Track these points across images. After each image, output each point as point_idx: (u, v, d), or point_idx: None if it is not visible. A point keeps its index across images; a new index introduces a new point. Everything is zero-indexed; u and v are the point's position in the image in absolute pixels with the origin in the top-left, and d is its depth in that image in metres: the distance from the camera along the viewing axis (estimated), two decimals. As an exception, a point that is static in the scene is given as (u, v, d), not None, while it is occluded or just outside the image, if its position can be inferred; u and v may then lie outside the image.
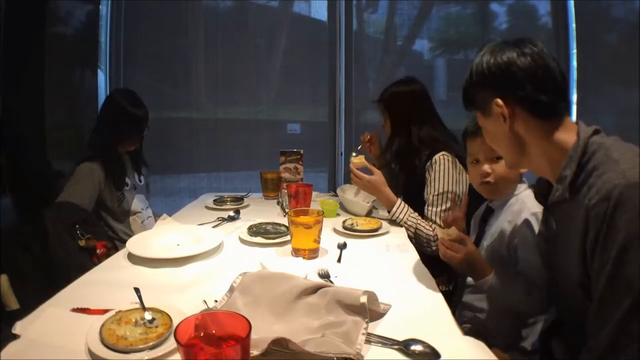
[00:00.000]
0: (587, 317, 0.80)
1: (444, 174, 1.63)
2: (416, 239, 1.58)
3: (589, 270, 0.80)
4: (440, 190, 1.62)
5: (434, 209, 1.63)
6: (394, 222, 1.65)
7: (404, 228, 1.61)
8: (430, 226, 1.61)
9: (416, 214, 1.64)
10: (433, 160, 1.66)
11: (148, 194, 2.23)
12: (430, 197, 1.64)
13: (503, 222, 1.24)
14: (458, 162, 1.66)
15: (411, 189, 1.75)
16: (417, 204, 1.68)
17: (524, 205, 1.19)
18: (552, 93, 0.86)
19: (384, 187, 1.67)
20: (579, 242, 0.80)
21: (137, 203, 2.04)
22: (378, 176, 1.68)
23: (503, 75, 0.88)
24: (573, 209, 0.82)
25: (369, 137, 2.06)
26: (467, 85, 0.97)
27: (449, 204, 1.61)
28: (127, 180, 2.01)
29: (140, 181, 2.12)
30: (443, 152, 1.66)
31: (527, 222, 1.15)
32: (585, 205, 0.78)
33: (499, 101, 0.89)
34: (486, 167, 1.23)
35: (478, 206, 1.42)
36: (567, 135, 0.87)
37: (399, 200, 1.66)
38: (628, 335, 0.72)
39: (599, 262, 0.76)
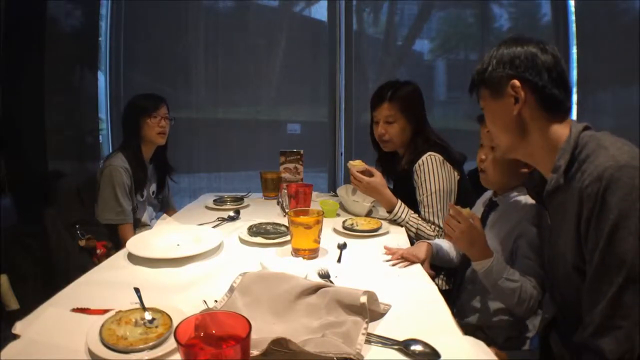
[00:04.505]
0: (582, 302, 0.83)
1: (432, 174, 1.63)
2: (417, 239, 1.58)
3: (583, 250, 0.83)
4: (432, 190, 1.62)
5: (430, 209, 1.63)
6: (394, 222, 1.65)
7: (404, 228, 1.61)
8: (430, 227, 1.61)
9: (416, 215, 1.65)
10: (420, 161, 1.66)
11: (159, 206, 2.22)
12: (425, 199, 1.64)
13: (508, 223, 1.23)
14: (446, 161, 1.66)
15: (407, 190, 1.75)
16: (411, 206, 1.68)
17: (528, 208, 1.19)
18: (563, 91, 0.92)
19: (384, 189, 1.67)
20: (573, 225, 0.84)
21: (147, 216, 2.04)
22: (378, 178, 1.68)
23: (527, 61, 0.92)
24: (567, 195, 0.86)
25: None
26: (486, 64, 0.98)
27: (443, 202, 1.62)
28: (144, 191, 2.00)
29: (152, 194, 2.11)
30: (429, 153, 1.66)
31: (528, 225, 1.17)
32: (579, 188, 0.82)
33: (517, 82, 0.92)
34: (481, 154, 1.29)
35: (479, 196, 1.46)
36: (564, 132, 0.92)
37: (400, 202, 1.66)
38: (621, 311, 0.76)
39: (592, 241, 0.80)
